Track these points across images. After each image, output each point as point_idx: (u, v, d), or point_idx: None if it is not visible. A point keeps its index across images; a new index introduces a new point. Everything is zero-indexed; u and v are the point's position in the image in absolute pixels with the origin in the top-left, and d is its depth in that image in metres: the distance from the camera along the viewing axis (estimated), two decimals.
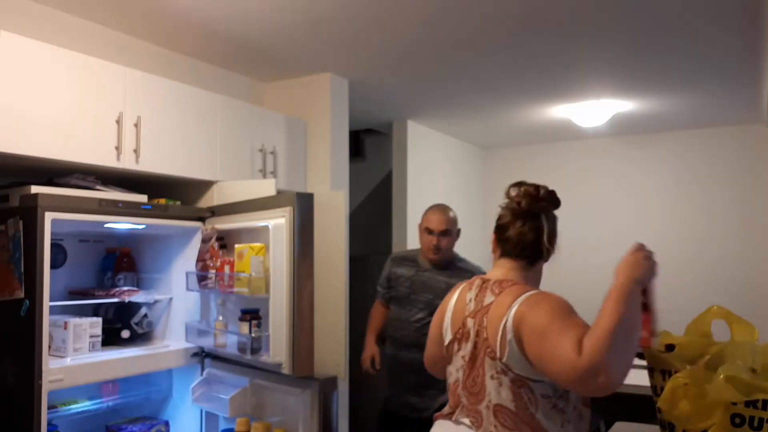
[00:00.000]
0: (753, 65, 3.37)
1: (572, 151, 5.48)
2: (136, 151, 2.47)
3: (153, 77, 2.61)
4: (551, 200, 1.61)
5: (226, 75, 3.44)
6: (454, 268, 2.83)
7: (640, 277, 1.39)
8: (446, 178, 5.19)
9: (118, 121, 2.42)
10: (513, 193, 1.63)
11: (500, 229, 1.63)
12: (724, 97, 4.05)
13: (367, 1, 2.55)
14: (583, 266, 5.35)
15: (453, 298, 1.67)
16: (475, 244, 5.73)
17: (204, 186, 2.88)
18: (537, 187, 1.62)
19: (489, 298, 1.53)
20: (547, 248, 1.61)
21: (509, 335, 1.42)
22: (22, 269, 2.06)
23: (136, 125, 2.48)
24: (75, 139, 2.28)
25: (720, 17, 2.71)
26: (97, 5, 2.59)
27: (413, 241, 4.59)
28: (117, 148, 2.41)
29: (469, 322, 1.56)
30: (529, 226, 1.59)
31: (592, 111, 4.28)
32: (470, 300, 1.59)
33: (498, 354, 1.45)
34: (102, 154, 2.37)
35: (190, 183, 2.86)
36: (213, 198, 2.85)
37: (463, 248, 5.37)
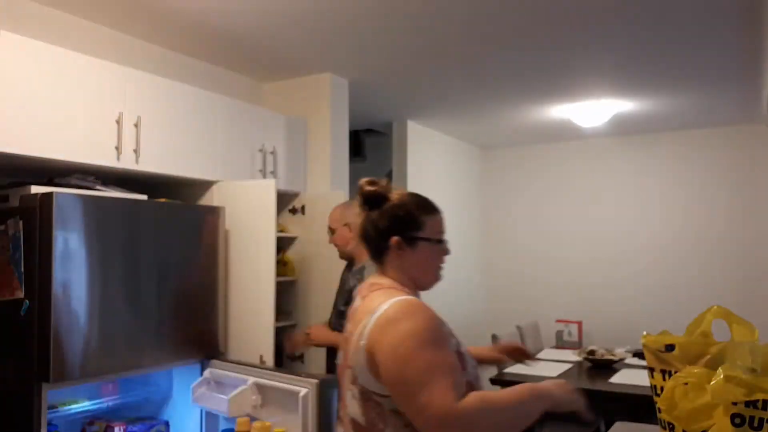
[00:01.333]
0: (753, 65, 3.37)
1: (572, 151, 5.48)
2: (136, 151, 2.47)
3: (153, 77, 2.61)
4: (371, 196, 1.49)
5: (226, 75, 3.45)
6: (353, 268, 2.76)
7: (562, 401, 1.36)
8: (446, 178, 5.19)
9: (118, 121, 2.42)
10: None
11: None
12: (724, 97, 4.05)
13: (368, 1, 2.55)
14: (583, 265, 5.35)
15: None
16: (474, 244, 5.74)
17: (204, 186, 2.88)
18: (370, 181, 1.51)
19: (357, 302, 1.46)
20: (376, 241, 1.46)
21: (362, 342, 1.32)
22: (22, 269, 2.06)
23: (136, 125, 2.48)
24: (75, 139, 2.28)
25: (720, 17, 2.71)
26: (97, 5, 2.59)
27: None
28: (117, 148, 2.41)
29: (347, 329, 1.47)
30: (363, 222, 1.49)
31: (592, 111, 4.28)
32: (357, 305, 1.49)
33: (350, 361, 1.36)
34: (102, 154, 2.37)
35: (190, 183, 2.86)
36: (213, 198, 2.85)
37: (462, 248, 5.39)
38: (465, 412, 1.18)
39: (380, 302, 1.34)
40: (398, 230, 1.45)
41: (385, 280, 1.45)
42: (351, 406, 1.35)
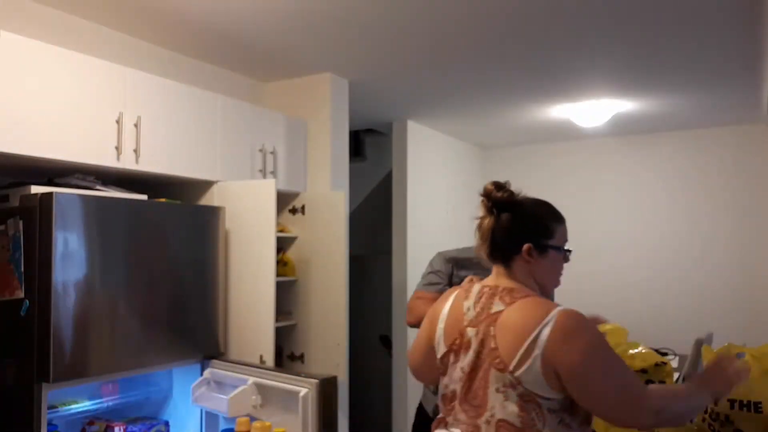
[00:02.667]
0: (753, 65, 3.37)
1: (572, 151, 5.48)
2: (136, 151, 2.47)
3: (153, 77, 2.61)
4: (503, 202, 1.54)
5: (226, 75, 3.44)
6: None
7: (723, 394, 1.54)
8: (446, 178, 5.19)
9: (118, 121, 2.42)
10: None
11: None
12: (724, 97, 4.04)
13: (368, 1, 2.55)
14: (582, 265, 5.35)
15: (445, 307, 1.59)
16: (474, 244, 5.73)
17: (204, 186, 2.88)
18: (498, 185, 1.55)
19: (498, 307, 1.46)
20: (504, 246, 1.52)
21: (537, 351, 1.36)
22: (22, 269, 2.06)
23: (136, 125, 2.48)
24: (75, 139, 2.28)
25: (720, 17, 2.71)
26: (97, 5, 2.59)
27: (414, 241, 4.59)
28: (117, 148, 2.41)
29: (470, 331, 1.48)
30: (488, 223, 1.54)
31: (592, 111, 4.28)
32: (468, 308, 1.52)
33: (511, 367, 1.38)
34: (102, 154, 2.37)
35: (190, 183, 2.87)
36: (213, 198, 2.86)
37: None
38: (655, 396, 1.42)
39: (543, 313, 1.39)
40: (531, 237, 1.51)
41: (517, 285, 1.50)
42: (502, 408, 1.39)
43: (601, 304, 5.29)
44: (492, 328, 1.44)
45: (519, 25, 2.81)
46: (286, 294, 3.27)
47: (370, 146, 5.24)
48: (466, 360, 1.47)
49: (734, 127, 4.83)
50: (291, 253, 3.35)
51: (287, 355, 3.28)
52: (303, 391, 2.15)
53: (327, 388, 2.17)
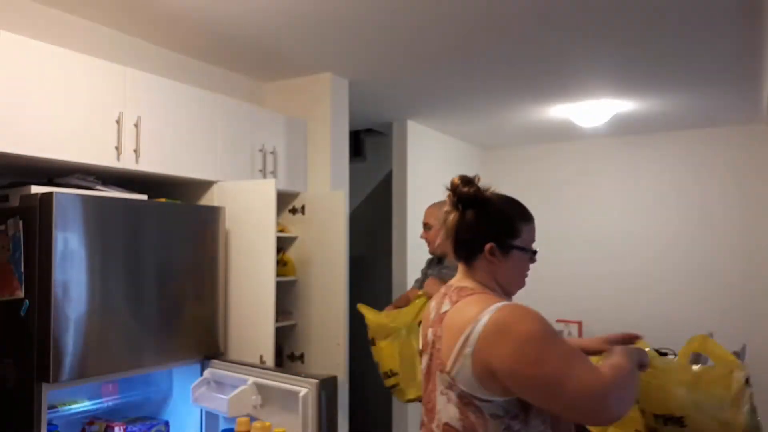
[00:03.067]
0: (753, 65, 3.37)
1: (572, 151, 5.48)
2: (136, 151, 2.47)
3: (153, 77, 2.61)
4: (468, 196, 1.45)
5: (226, 75, 3.45)
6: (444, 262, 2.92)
7: (643, 362, 1.44)
8: (446, 178, 5.16)
9: (118, 121, 2.42)
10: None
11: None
12: (724, 97, 4.04)
13: (368, 1, 2.55)
14: (583, 265, 5.35)
15: (429, 309, 1.54)
16: None
17: (204, 186, 2.88)
18: (464, 179, 1.47)
19: (445, 306, 1.41)
20: (468, 243, 1.43)
21: (468, 349, 1.28)
22: (22, 269, 2.06)
23: (136, 125, 2.48)
24: (75, 139, 2.28)
25: (720, 17, 2.71)
26: (97, 5, 2.59)
27: (413, 241, 4.59)
28: (117, 148, 2.41)
29: (429, 333, 1.44)
30: (453, 219, 1.45)
31: (592, 111, 4.28)
32: (432, 308, 1.48)
33: (448, 367, 1.32)
34: (102, 154, 2.37)
35: (190, 183, 2.87)
36: (213, 198, 2.86)
37: None
38: (612, 380, 1.23)
39: (480, 309, 1.31)
40: (494, 236, 1.41)
41: (472, 284, 1.42)
42: (445, 410, 1.33)
43: (600, 303, 5.30)
44: (439, 329, 1.39)
45: (519, 25, 2.81)
46: (286, 294, 3.27)
47: (370, 146, 5.24)
48: (424, 363, 1.46)
49: (734, 127, 4.83)
50: (291, 253, 3.35)
51: (287, 355, 3.28)
52: (303, 391, 2.15)
53: (327, 388, 2.17)
